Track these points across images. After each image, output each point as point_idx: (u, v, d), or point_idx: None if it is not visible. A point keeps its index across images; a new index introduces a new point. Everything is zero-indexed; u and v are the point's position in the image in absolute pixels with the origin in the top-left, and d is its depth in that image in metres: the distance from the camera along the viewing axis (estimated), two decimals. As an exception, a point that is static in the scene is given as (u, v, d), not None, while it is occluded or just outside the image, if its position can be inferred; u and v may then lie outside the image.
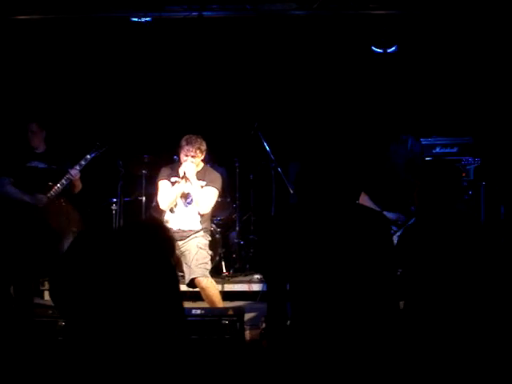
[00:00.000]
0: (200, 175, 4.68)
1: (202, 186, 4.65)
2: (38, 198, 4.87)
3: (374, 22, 5.90)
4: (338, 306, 2.32)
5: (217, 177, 4.80)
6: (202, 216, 4.70)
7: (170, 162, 6.21)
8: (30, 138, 4.99)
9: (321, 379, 2.21)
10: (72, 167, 4.96)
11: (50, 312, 3.53)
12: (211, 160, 6.29)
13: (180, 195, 4.68)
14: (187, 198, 4.69)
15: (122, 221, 6.20)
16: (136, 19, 5.75)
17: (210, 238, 4.82)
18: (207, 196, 4.65)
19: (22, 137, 5.07)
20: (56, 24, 5.89)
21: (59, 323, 3.40)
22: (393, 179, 4.55)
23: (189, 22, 5.77)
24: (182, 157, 4.62)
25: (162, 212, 4.79)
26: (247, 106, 6.73)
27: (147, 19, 5.77)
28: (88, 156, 4.96)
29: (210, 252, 4.76)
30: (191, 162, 4.59)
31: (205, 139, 4.73)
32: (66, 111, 6.58)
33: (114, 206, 6.16)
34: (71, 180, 4.95)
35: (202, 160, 4.80)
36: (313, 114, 6.79)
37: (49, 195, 4.90)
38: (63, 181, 4.91)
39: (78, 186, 5.11)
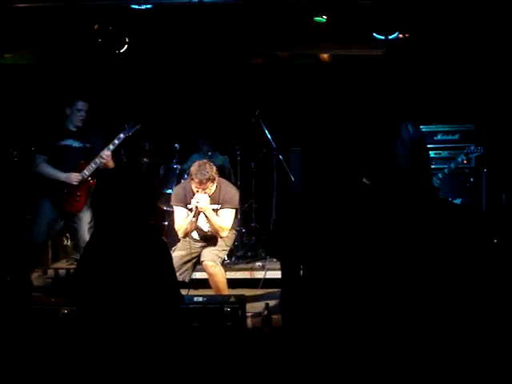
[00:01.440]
0: (214, 197, 4.56)
1: (216, 211, 4.54)
2: (72, 176, 4.84)
3: (376, 7, 5.86)
4: (349, 290, 2.33)
5: (232, 195, 4.65)
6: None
7: (171, 149, 6.25)
8: (74, 115, 4.91)
9: (331, 367, 2.22)
10: (104, 147, 4.90)
11: (53, 300, 3.55)
12: (213, 148, 6.31)
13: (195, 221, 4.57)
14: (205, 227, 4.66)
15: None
16: (136, 6, 5.72)
17: (234, 232, 4.85)
18: (223, 220, 4.54)
19: (55, 114, 5.05)
20: (56, 12, 5.86)
21: (61, 311, 3.42)
22: (396, 171, 4.53)
23: (189, 8, 5.74)
24: (193, 187, 4.47)
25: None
26: (248, 93, 6.72)
27: (147, 6, 5.73)
28: (121, 135, 4.87)
29: (230, 245, 4.79)
30: (202, 193, 4.45)
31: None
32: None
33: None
34: (103, 161, 4.87)
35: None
36: (314, 101, 6.78)
37: (82, 174, 4.86)
38: (97, 160, 4.85)
39: (111, 165, 4.97)
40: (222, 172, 5.92)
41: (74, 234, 5.13)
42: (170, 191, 5.60)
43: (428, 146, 5.92)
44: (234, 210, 4.59)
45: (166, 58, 6.69)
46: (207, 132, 6.38)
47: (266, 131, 5.97)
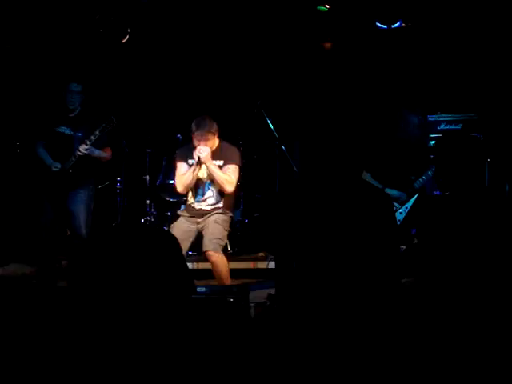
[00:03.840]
0: (216, 154, 4.62)
1: (220, 166, 4.60)
2: (54, 164, 4.86)
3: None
4: (341, 283, 2.33)
5: (234, 151, 4.76)
6: (224, 195, 4.67)
7: (173, 140, 6.25)
8: (71, 99, 4.89)
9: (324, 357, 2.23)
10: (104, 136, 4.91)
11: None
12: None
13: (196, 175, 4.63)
14: (208, 179, 4.66)
15: (126, 200, 6.23)
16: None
17: (231, 215, 4.79)
18: (228, 175, 4.60)
19: (56, 98, 5.05)
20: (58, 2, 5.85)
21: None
22: (403, 151, 4.50)
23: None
24: (195, 141, 4.55)
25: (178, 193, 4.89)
26: (250, 84, 6.70)
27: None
28: (97, 132, 4.78)
29: (228, 229, 4.76)
30: (204, 145, 4.52)
31: (219, 118, 4.76)
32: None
33: (118, 185, 6.18)
34: (84, 155, 4.84)
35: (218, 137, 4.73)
36: (317, 90, 6.75)
37: (64, 164, 4.85)
38: (75, 154, 4.82)
39: (104, 157, 5.02)
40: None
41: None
42: (172, 182, 5.61)
43: (431, 135, 5.91)
44: (237, 167, 4.65)
45: (167, 49, 6.67)
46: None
47: (269, 122, 5.96)
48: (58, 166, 4.85)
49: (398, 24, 5.99)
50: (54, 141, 4.93)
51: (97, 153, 4.88)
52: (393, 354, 2.25)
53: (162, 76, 6.83)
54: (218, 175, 4.54)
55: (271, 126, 5.97)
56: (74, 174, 4.86)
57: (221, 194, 4.69)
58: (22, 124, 5.95)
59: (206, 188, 4.68)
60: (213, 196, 4.67)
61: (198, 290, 3.61)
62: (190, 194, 4.72)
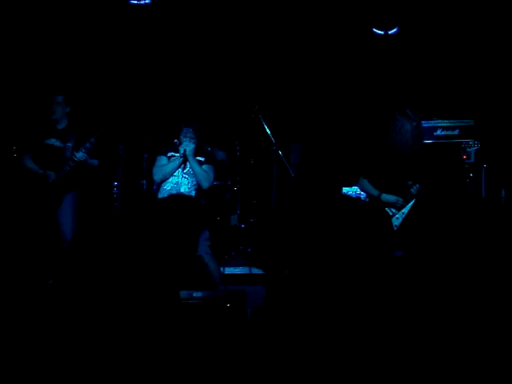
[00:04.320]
0: (199, 151, 4.95)
1: (201, 163, 4.90)
2: (47, 174, 4.95)
3: (375, 2, 5.86)
4: (337, 292, 2.34)
5: (213, 152, 5.23)
6: (199, 191, 4.89)
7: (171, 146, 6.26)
8: (53, 110, 5.00)
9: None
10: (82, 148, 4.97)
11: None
12: (212, 144, 6.32)
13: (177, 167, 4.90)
14: (184, 168, 4.86)
15: (122, 204, 6.22)
16: (135, 1, 5.71)
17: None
18: (207, 172, 4.90)
19: (43, 111, 5.11)
20: (54, 4, 5.86)
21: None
22: (399, 156, 4.51)
23: (187, 2, 5.74)
24: (182, 137, 4.87)
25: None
26: (247, 89, 6.72)
27: (146, 1, 5.73)
28: (93, 139, 4.92)
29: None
30: (190, 141, 4.83)
31: (205, 123, 4.90)
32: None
33: (115, 190, 6.17)
34: (80, 162, 4.93)
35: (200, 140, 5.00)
36: (313, 96, 6.77)
37: (58, 174, 4.94)
38: (70, 162, 4.92)
39: (94, 166, 5.14)
40: (222, 167, 5.93)
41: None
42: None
43: (428, 141, 5.93)
44: (214, 167, 5.00)
45: (165, 53, 6.68)
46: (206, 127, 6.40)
47: (266, 126, 5.97)
48: (53, 175, 4.92)
49: (394, 30, 6.01)
50: (43, 153, 5.00)
51: (89, 161, 4.98)
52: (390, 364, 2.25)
53: (159, 81, 6.84)
54: (198, 170, 4.86)
55: (268, 131, 5.98)
56: (63, 180, 4.95)
57: (194, 186, 4.90)
58: (14, 134, 5.96)
59: (181, 177, 4.89)
60: (186, 185, 4.89)
61: (194, 294, 3.61)
62: (165, 184, 4.89)
